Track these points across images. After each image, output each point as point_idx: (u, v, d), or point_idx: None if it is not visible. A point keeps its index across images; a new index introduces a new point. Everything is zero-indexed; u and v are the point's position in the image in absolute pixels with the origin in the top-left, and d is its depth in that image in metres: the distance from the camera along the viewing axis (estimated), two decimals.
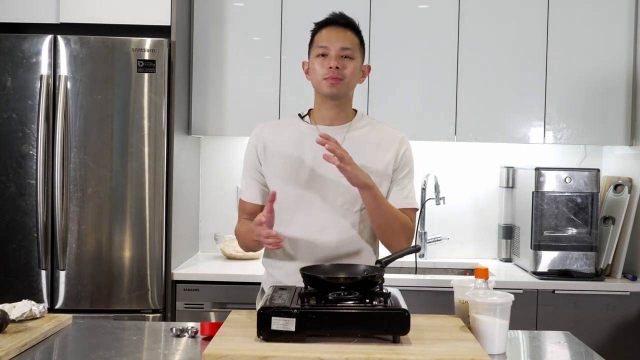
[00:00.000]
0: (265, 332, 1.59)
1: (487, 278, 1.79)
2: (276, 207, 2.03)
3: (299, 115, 2.12)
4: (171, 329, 1.84)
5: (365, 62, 2.55)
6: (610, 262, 3.07)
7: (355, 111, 2.12)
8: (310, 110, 2.12)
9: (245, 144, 2.14)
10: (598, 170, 3.07)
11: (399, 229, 2.00)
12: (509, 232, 3.41)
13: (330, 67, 1.97)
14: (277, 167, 2.04)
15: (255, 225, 1.87)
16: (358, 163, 1.97)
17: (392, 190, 2.07)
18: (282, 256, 2.06)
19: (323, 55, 1.99)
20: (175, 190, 2.97)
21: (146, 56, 2.85)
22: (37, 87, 2.83)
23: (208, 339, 1.72)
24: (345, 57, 1.99)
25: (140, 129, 2.86)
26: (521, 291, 2.91)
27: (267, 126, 2.13)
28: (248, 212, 2.13)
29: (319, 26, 2.05)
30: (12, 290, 2.81)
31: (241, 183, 2.17)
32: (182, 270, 2.99)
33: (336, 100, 2.03)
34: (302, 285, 1.78)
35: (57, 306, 2.85)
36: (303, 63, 2.11)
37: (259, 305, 1.96)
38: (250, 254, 3.24)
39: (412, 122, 3.21)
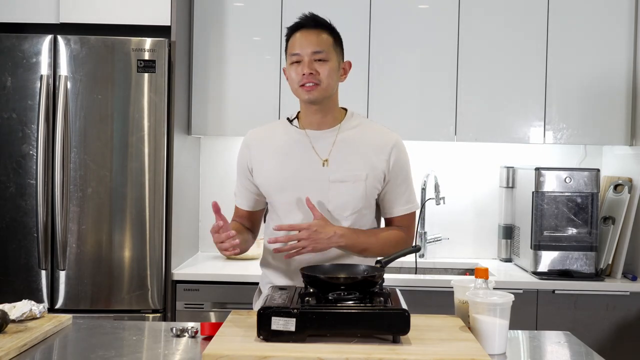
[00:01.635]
0: (265, 332, 1.59)
1: (487, 278, 1.79)
2: (272, 212, 2.07)
3: (288, 119, 2.09)
4: (171, 329, 1.84)
5: (364, 62, 2.54)
6: (610, 262, 3.07)
7: (345, 110, 2.09)
8: (298, 112, 2.09)
9: None
10: (598, 170, 3.07)
11: (394, 247, 2.01)
12: (509, 232, 3.41)
13: (304, 74, 1.94)
14: (268, 174, 2.04)
15: (213, 233, 1.88)
16: (348, 167, 1.98)
17: (392, 198, 2.06)
18: (278, 259, 2.06)
19: (297, 62, 1.96)
20: (175, 190, 2.97)
21: (146, 56, 2.85)
22: (37, 87, 2.83)
23: (208, 339, 1.72)
24: (319, 60, 1.95)
25: (140, 129, 2.86)
26: (521, 291, 2.91)
27: (255, 134, 2.11)
28: (239, 215, 2.18)
29: (291, 31, 2.01)
30: (12, 290, 2.81)
31: (235, 188, 2.18)
32: (182, 270, 2.99)
33: (319, 105, 2.00)
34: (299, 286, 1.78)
35: (57, 306, 2.85)
36: (284, 70, 2.06)
37: (258, 305, 1.97)
38: (251, 254, 3.23)
39: (412, 122, 3.21)
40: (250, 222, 2.17)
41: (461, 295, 1.85)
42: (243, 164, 2.10)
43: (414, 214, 2.11)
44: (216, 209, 1.88)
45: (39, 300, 2.76)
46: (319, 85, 1.95)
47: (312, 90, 1.95)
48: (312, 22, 1.99)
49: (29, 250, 2.85)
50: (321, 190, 1.98)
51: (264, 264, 2.14)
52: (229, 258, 3.31)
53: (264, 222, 2.20)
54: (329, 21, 2.02)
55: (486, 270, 1.80)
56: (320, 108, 2.01)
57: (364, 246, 2.00)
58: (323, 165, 1.99)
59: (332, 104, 2.04)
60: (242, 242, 1.98)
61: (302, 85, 1.95)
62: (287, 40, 2.02)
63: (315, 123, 2.03)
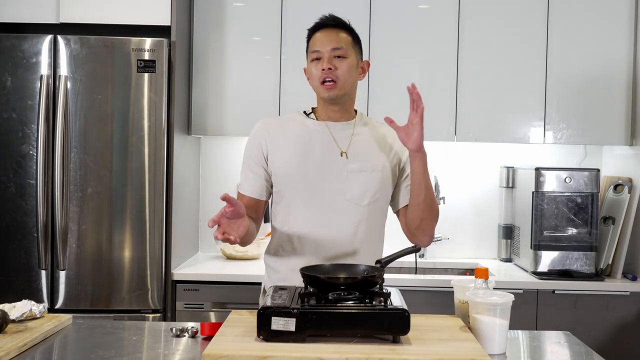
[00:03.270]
0: (265, 332, 1.59)
1: (487, 278, 1.79)
2: (285, 202, 2.05)
3: (304, 112, 2.13)
4: (171, 329, 1.84)
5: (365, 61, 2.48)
6: (610, 262, 3.07)
7: (356, 111, 2.14)
8: (314, 108, 2.13)
9: (245, 143, 2.14)
10: (598, 170, 3.07)
11: (435, 210, 2.09)
12: (509, 232, 3.41)
13: (323, 69, 1.99)
14: (285, 162, 2.04)
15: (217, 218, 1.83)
16: (366, 158, 2.04)
17: (406, 188, 2.11)
18: (289, 251, 2.05)
19: (317, 59, 2.02)
20: (175, 190, 2.97)
21: (146, 56, 2.85)
22: (37, 87, 2.83)
23: (208, 339, 1.72)
24: (338, 57, 2.01)
25: (140, 129, 2.86)
26: (521, 291, 2.91)
27: (270, 122, 2.13)
28: (245, 205, 2.12)
29: (311, 31, 2.08)
30: (12, 290, 2.81)
31: (240, 176, 2.14)
32: (182, 270, 2.99)
33: (338, 105, 2.06)
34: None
35: (57, 306, 2.85)
36: (305, 70, 2.11)
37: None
38: (251, 254, 3.25)
39: None
40: (255, 212, 2.11)
41: (461, 295, 1.85)
42: (256, 150, 2.08)
43: None
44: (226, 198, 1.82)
45: (39, 300, 2.77)
46: (337, 83, 2.01)
47: (332, 89, 2.01)
48: (331, 21, 2.07)
49: (29, 250, 2.85)
50: (339, 180, 2.01)
51: (273, 260, 2.11)
52: (229, 258, 3.31)
53: (266, 222, 2.20)
54: (348, 22, 2.08)
55: (486, 270, 1.80)
56: (340, 108, 2.08)
57: (429, 179, 2.09)
58: (341, 155, 2.03)
59: (351, 102, 2.11)
60: (247, 233, 1.94)
61: (322, 83, 2.01)
62: (308, 41, 2.09)
63: (333, 118, 2.09)
